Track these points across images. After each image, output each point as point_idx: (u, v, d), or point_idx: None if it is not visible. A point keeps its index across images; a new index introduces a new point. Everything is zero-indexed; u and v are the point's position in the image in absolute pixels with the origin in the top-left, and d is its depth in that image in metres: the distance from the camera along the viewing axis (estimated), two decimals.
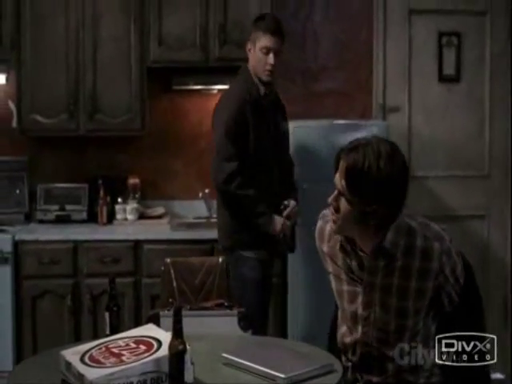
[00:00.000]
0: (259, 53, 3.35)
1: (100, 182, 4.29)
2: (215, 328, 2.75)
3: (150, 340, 2.27)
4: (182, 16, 4.11)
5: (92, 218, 4.32)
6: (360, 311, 2.20)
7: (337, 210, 2.07)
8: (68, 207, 4.33)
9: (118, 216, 4.31)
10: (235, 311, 2.81)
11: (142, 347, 2.23)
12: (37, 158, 4.47)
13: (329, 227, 2.21)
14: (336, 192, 2.07)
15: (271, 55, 3.32)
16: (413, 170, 4.68)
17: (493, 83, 4.68)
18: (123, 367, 2.08)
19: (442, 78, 4.68)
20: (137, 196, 4.38)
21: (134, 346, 2.25)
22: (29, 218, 4.40)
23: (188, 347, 2.16)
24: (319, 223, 2.30)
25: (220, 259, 3.19)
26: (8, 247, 3.92)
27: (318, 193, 3.92)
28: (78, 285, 3.95)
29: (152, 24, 4.13)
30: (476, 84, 4.70)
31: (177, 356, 2.06)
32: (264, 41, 3.33)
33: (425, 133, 4.70)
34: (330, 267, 2.27)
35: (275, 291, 3.84)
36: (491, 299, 4.56)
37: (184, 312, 2.80)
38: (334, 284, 2.27)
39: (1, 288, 3.90)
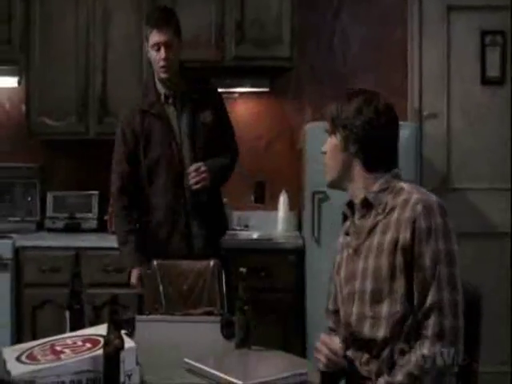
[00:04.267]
0: (152, 51, 3.28)
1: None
2: (197, 336, 2.55)
3: (100, 338, 2.10)
4: (197, 13, 4.02)
5: (103, 226, 4.24)
6: (349, 287, 2.08)
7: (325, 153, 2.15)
8: (78, 215, 4.27)
9: None
10: (218, 318, 2.60)
11: (88, 345, 2.07)
12: (50, 165, 4.45)
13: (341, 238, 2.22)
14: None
15: (162, 50, 3.23)
16: (452, 182, 4.42)
17: None
18: (53, 364, 1.92)
19: (486, 81, 4.43)
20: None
21: (80, 344, 2.10)
22: (41, 226, 4.34)
23: (133, 345, 2.00)
24: None
25: (212, 262, 3.01)
26: (8, 253, 3.86)
27: (340, 199, 3.79)
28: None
29: None
30: None
31: (113, 352, 1.88)
32: (152, 37, 3.25)
33: (466, 141, 4.42)
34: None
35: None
36: None
37: (164, 317, 2.70)
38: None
39: (0, 295, 3.84)
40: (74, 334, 2.22)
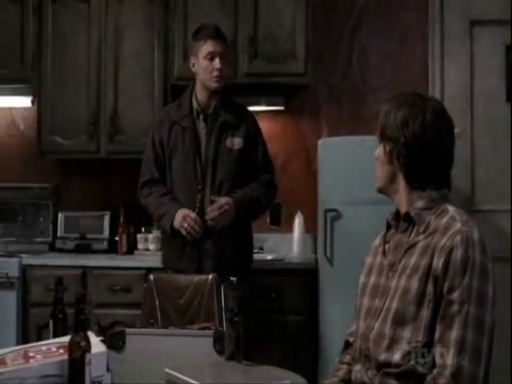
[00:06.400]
0: (204, 62, 3.33)
1: (122, 209, 4.19)
2: (189, 350, 2.48)
3: None
4: None
5: (114, 247, 4.22)
6: (377, 302, 1.97)
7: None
8: (89, 236, 4.26)
9: (140, 246, 4.20)
10: (211, 332, 2.53)
11: (61, 351, 2.02)
12: (63, 185, 4.47)
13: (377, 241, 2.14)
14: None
15: (217, 59, 3.31)
16: (476, 204, 4.30)
17: None
18: (17, 367, 1.87)
19: (511, 98, 4.29)
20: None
21: (54, 350, 2.05)
22: (53, 247, 4.34)
23: (104, 350, 1.94)
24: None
25: (210, 277, 2.95)
26: (15, 272, 3.87)
27: (353, 218, 3.71)
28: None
29: (177, 38, 4.09)
30: None
31: (78, 354, 1.82)
32: (206, 47, 3.32)
33: (491, 161, 4.31)
34: (365, 268, 2.11)
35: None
36: None
37: (155, 331, 2.65)
38: (361, 279, 2.10)
39: (6, 314, 3.86)
40: (51, 341, 2.18)
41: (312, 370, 3.70)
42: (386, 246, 2.03)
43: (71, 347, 1.84)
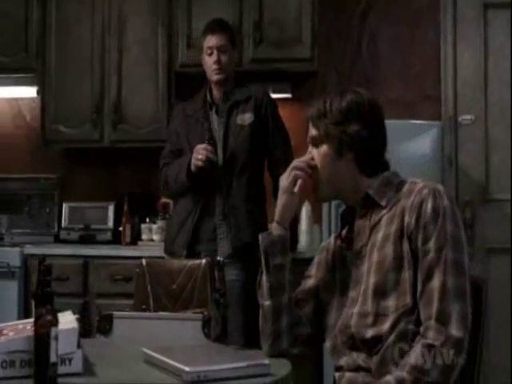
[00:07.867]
0: (205, 57, 3.42)
1: (126, 199, 4.17)
2: (177, 333, 2.44)
3: None
4: (213, 15, 3.94)
5: (118, 238, 4.20)
6: (352, 292, 1.93)
7: (313, 167, 1.97)
8: (93, 226, 4.24)
9: (144, 236, 4.16)
10: (199, 316, 2.48)
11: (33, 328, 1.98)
12: (69, 176, 4.45)
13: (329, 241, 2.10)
14: (309, 149, 2.00)
15: (215, 53, 3.38)
16: (491, 193, 4.18)
17: None
18: None
19: None
20: (167, 216, 4.18)
21: (28, 328, 2.01)
22: (58, 238, 4.32)
23: (75, 326, 1.90)
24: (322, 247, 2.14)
25: (203, 261, 2.90)
26: (16, 261, 3.85)
27: None
28: (87, 305, 3.78)
29: (181, 25, 4.07)
30: None
31: (43, 328, 1.78)
32: (206, 43, 3.42)
33: (506, 148, 4.17)
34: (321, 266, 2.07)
35: None
36: None
37: (143, 314, 2.62)
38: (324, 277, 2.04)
39: (7, 304, 3.84)
40: (31, 320, 2.15)
41: (317, 361, 3.64)
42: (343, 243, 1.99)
43: (37, 321, 1.79)
